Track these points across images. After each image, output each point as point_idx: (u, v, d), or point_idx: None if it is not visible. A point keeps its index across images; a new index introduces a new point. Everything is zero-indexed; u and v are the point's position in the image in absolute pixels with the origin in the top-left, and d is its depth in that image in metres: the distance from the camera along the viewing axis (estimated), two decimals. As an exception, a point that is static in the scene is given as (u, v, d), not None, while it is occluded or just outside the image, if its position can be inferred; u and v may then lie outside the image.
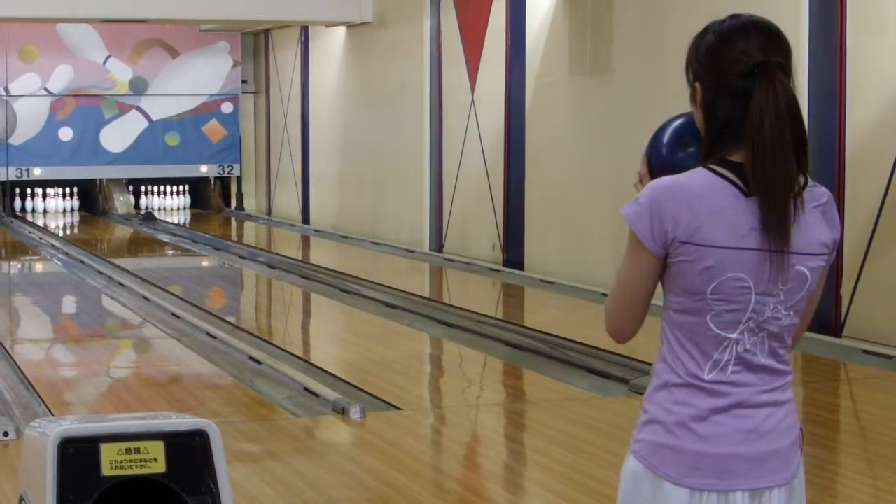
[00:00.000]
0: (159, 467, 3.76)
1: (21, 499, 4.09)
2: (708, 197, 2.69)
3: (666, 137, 2.92)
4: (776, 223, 2.68)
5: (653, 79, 12.12)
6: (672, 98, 11.77)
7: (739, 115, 2.69)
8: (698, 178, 2.71)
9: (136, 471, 3.75)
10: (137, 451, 3.75)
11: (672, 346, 2.80)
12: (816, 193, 2.77)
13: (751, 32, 2.72)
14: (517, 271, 14.18)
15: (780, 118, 2.65)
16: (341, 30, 19.73)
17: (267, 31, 23.27)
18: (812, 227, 2.75)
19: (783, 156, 2.66)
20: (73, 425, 3.83)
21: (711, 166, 2.73)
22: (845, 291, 9.83)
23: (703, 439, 2.75)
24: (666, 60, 11.90)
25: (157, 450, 3.76)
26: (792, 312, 2.77)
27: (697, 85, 2.77)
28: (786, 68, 2.71)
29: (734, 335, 2.73)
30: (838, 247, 2.85)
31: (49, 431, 3.79)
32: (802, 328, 2.88)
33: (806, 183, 2.74)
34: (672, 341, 2.80)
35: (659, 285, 2.82)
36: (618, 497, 2.88)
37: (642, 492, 2.81)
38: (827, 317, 9.92)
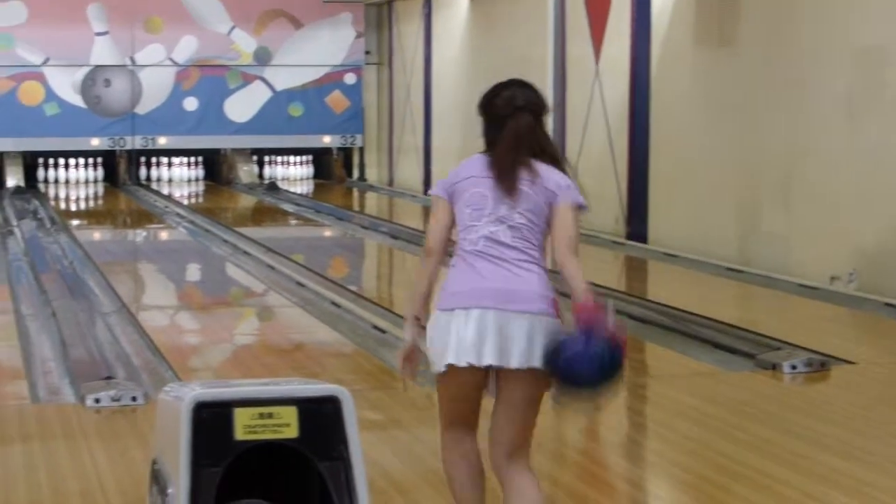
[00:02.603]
0: (292, 432, 3.79)
1: (154, 462, 4.13)
2: (471, 164, 4.48)
3: (586, 371, 4.29)
4: (504, 181, 4.39)
5: (780, 51, 11.95)
6: (800, 69, 11.60)
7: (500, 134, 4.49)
8: (472, 158, 4.50)
9: (270, 436, 3.78)
10: (271, 416, 3.78)
11: (458, 241, 4.44)
12: (554, 177, 4.44)
13: (512, 87, 4.51)
14: (640, 244, 14.10)
15: (516, 134, 4.43)
16: (464, 2, 19.70)
17: (390, 3, 23.32)
18: (547, 179, 4.44)
19: (511, 151, 4.41)
20: (208, 390, 3.86)
21: (482, 152, 4.49)
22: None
23: (458, 282, 4.36)
24: (794, 32, 11.74)
25: (290, 415, 3.79)
26: (526, 215, 4.37)
27: (482, 119, 4.51)
28: (531, 109, 4.48)
29: (480, 223, 4.38)
30: None
31: (183, 396, 3.83)
32: (563, 241, 4.36)
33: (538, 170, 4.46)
34: (458, 240, 4.43)
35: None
36: None
37: (429, 326, 4.39)
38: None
